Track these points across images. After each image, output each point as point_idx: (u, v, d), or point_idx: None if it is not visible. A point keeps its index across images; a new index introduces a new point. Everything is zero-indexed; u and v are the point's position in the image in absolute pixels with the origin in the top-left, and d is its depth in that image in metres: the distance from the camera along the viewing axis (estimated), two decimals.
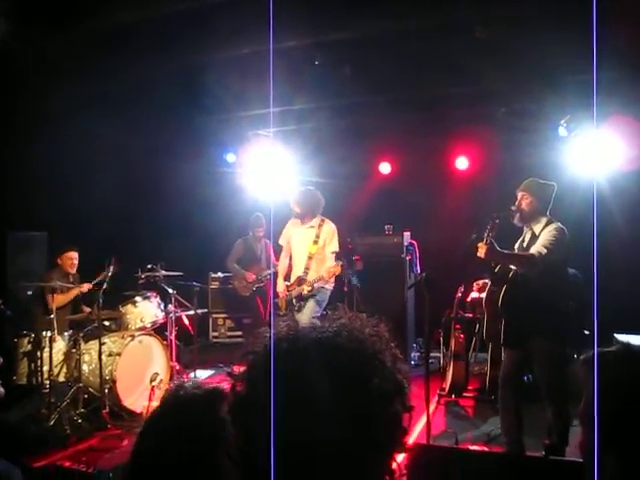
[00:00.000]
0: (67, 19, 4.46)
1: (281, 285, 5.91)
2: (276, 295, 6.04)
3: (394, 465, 0.96)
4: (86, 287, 5.85)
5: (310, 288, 5.62)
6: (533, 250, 4.02)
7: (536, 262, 3.97)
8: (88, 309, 5.75)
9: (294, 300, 5.72)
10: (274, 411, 0.87)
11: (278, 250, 6.37)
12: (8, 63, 4.84)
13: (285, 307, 5.82)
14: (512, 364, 4.17)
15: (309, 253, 5.71)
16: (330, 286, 5.76)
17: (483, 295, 5.83)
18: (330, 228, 5.77)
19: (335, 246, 5.75)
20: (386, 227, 7.36)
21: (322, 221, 5.81)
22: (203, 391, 1.45)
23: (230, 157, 8.28)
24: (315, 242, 5.71)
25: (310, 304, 5.62)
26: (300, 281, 5.71)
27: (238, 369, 1.02)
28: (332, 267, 5.48)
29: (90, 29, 4.63)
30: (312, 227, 5.79)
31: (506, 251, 4.16)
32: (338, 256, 5.71)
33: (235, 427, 0.97)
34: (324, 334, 0.95)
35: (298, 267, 5.79)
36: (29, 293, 5.85)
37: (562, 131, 6.24)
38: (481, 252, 4.04)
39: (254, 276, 7.20)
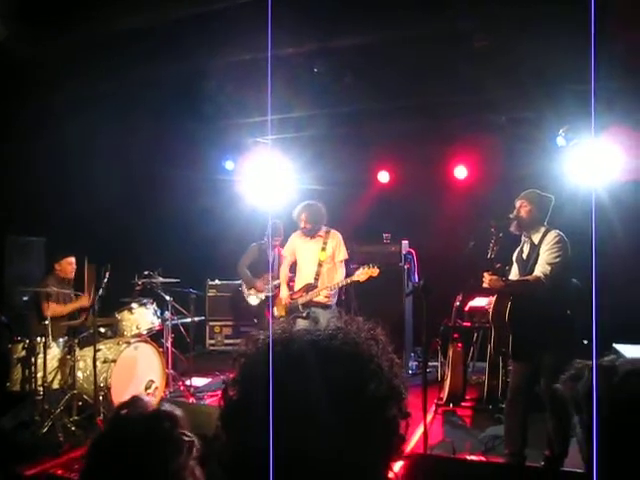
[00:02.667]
0: (68, 22, 4.45)
1: (284, 292, 5.95)
2: (275, 302, 6.08)
3: (391, 474, 0.93)
4: (86, 301, 5.78)
5: (328, 294, 5.64)
6: (538, 272, 4.00)
7: (544, 284, 3.95)
8: (83, 316, 5.71)
9: (300, 307, 5.74)
10: (267, 416, 0.84)
11: None
12: (8, 63, 4.82)
13: (285, 313, 5.83)
14: (521, 377, 4.13)
15: (319, 260, 5.74)
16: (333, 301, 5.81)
17: (483, 303, 5.81)
18: (337, 237, 5.85)
19: (344, 254, 5.81)
20: (384, 235, 7.34)
21: (327, 231, 5.86)
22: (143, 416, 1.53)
23: (229, 164, 8.26)
24: (323, 249, 5.76)
25: (327, 314, 5.60)
26: (309, 288, 5.73)
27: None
28: (369, 270, 5.45)
29: (91, 32, 4.62)
30: (319, 236, 5.84)
31: (511, 278, 4.16)
32: (365, 260, 5.76)
33: (227, 433, 0.94)
34: (319, 337, 0.92)
35: (306, 275, 5.80)
36: (25, 299, 5.80)
37: (560, 141, 6.24)
38: (486, 282, 4.05)
39: (262, 286, 7.14)
